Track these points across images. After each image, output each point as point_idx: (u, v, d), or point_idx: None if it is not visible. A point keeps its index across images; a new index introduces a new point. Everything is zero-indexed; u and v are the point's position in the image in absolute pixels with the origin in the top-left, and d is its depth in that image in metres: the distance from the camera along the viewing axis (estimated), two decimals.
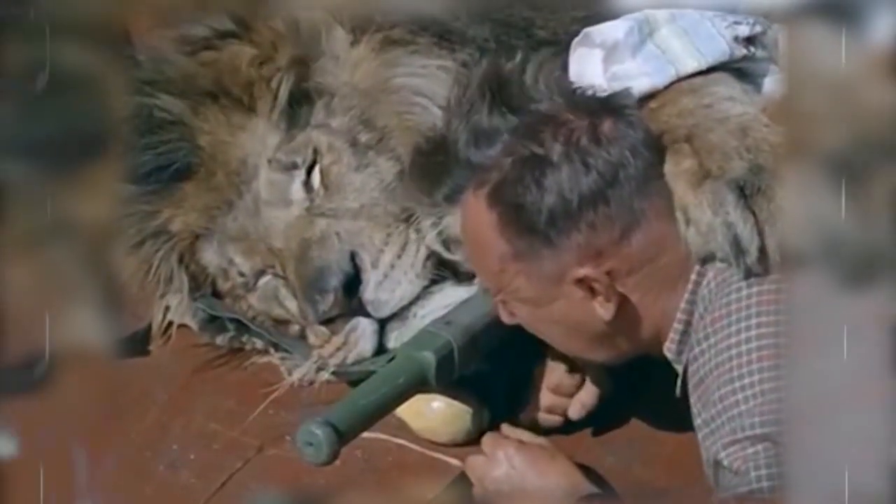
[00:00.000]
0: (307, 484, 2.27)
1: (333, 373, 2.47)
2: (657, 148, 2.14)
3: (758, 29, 2.30)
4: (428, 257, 2.42)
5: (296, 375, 2.49)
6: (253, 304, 2.54)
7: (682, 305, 2.14)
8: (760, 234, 2.07)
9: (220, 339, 2.60)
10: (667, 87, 2.23)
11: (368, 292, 2.39)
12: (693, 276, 2.13)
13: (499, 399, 2.46)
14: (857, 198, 1.72)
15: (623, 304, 2.14)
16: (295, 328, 2.53)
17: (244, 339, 2.60)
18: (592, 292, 2.13)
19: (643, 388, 2.47)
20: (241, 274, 2.53)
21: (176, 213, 2.52)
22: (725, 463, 2.05)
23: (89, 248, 1.92)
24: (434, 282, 2.43)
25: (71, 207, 1.93)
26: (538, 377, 2.43)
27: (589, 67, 2.30)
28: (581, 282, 2.12)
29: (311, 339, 2.47)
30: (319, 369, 2.47)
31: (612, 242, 2.11)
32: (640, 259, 2.13)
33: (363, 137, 2.48)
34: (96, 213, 1.94)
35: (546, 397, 2.41)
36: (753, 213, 2.07)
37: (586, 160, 2.10)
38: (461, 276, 2.45)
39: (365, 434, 2.27)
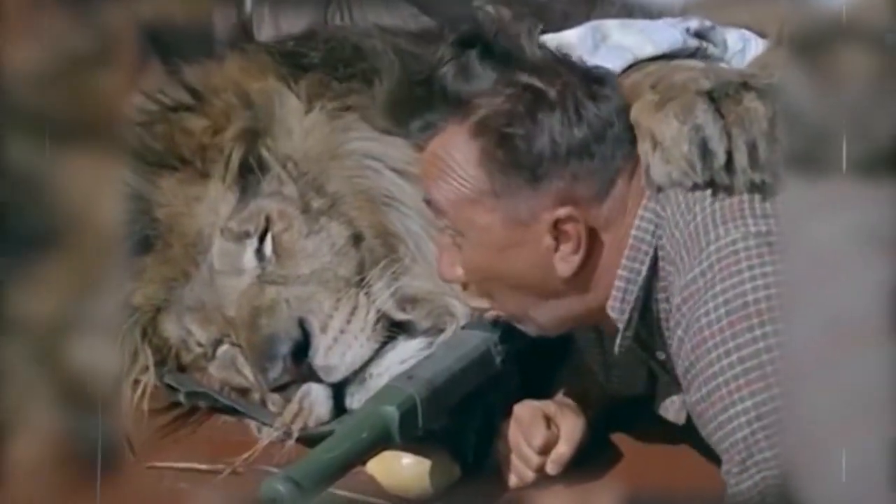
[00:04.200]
0: None
1: (298, 439, 2.44)
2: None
3: (707, 24, 2.36)
4: (378, 320, 2.42)
5: (263, 443, 2.47)
6: (213, 373, 2.55)
7: (627, 252, 2.13)
8: (728, 136, 2.05)
9: (182, 397, 2.58)
10: (626, 70, 2.26)
11: (318, 358, 2.39)
12: (636, 221, 2.13)
13: (467, 453, 2.44)
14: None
15: (584, 261, 2.13)
16: (255, 396, 2.53)
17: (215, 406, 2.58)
18: (559, 241, 2.12)
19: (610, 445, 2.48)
20: (200, 344, 2.54)
21: (136, 287, 2.53)
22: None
23: (41, 344, 1.93)
24: (385, 342, 2.43)
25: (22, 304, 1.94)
26: (504, 433, 2.40)
27: None
28: (556, 226, 2.11)
29: (270, 406, 2.48)
30: (286, 435, 2.45)
31: (589, 197, 2.12)
32: (608, 219, 2.13)
33: (315, 203, 2.50)
34: (48, 309, 1.96)
35: (531, 457, 2.37)
36: (722, 117, 2.06)
37: (580, 110, 2.11)
38: (416, 334, 2.45)
39: (336, 492, 2.24)
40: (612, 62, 2.27)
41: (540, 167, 2.10)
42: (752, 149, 2.04)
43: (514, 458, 2.39)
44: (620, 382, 2.45)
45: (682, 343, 2.07)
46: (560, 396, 2.46)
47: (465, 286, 2.24)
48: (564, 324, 2.23)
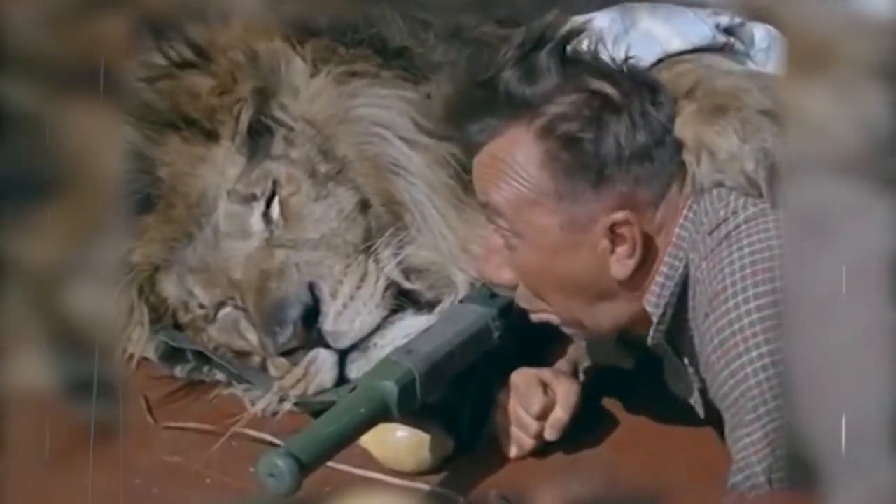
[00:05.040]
0: None
1: (295, 404, 2.46)
2: None
3: (736, 20, 2.35)
4: (387, 287, 2.42)
5: (258, 406, 2.48)
6: (213, 336, 2.53)
7: (670, 249, 2.15)
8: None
9: (180, 371, 2.59)
10: (656, 64, 2.26)
11: (328, 323, 2.38)
12: (681, 220, 2.15)
13: (462, 427, 2.45)
14: None
15: (639, 265, 2.14)
16: (256, 360, 2.52)
17: (205, 371, 2.59)
18: (615, 244, 2.13)
19: (606, 414, 2.51)
20: (202, 306, 2.52)
21: (136, 245, 2.51)
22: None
23: (38, 290, 1.91)
24: (394, 311, 2.42)
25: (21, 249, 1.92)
26: (502, 403, 2.42)
27: None
28: (612, 229, 2.12)
29: (272, 370, 2.46)
30: (281, 401, 2.47)
31: (647, 202, 2.14)
32: (661, 224, 2.15)
33: (322, 168, 2.48)
34: (46, 254, 1.94)
35: (530, 424, 2.39)
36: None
37: (643, 115, 2.13)
38: (421, 305, 2.46)
39: (328, 465, 2.25)
40: (641, 51, 2.25)
41: (605, 170, 2.11)
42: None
43: (512, 428, 2.41)
44: (605, 357, 2.49)
45: (701, 297, 2.09)
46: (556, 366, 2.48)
47: (514, 289, 2.24)
48: (616, 326, 2.24)
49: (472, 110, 2.19)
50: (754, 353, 2.01)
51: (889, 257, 1.80)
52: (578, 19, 2.32)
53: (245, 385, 2.55)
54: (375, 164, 2.49)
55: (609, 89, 2.13)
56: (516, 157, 2.15)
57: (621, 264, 2.14)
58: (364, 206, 2.48)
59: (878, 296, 1.79)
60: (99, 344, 2.15)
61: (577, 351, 2.51)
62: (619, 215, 2.12)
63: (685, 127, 2.14)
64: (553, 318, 2.24)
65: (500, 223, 2.19)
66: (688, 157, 2.13)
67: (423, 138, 2.48)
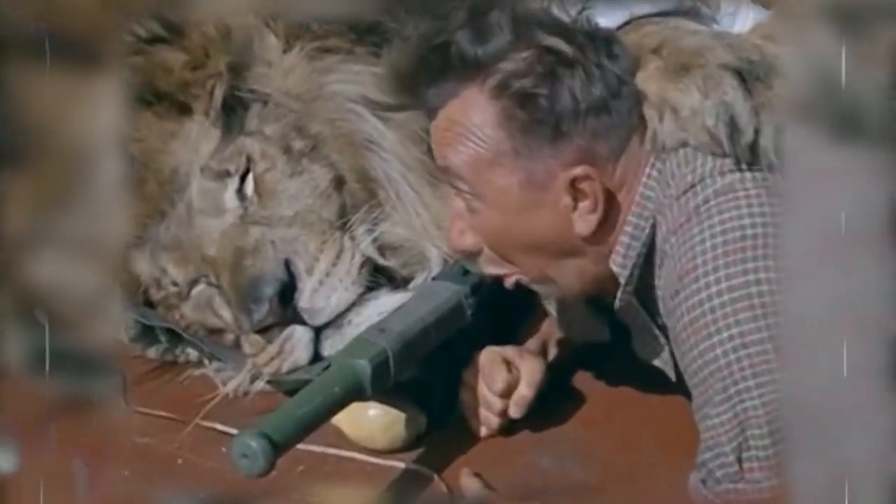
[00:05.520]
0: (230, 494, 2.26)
1: (268, 382, 2.46)
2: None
3: None
4: (363, 264, 2.42)
5: (230, 386, 2.48)
6: (186, 313, 2.52)
7: (633, 209, 2.15)
8: (756, 115, 2.06)
9: (153, 352, 2.58)
10: (622, 26, 2.25)
11: (304, 300, 2.38)
12: (644, 179, 2.14)
13: (435, 404, 2.46)
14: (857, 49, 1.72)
15: (602, 220, 2.14)
16: (229, 337, 2.51)
17: (177, 350, 2.58)
18: (577, 200, 2.12)
19: (576, 389, 2.52)
20: (175, 283, 2.50)
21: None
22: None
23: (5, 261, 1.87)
24: (369, 289, 2.42)
25: None
26: (469, 381, 2.43)
27: None
28: (573, 184, 2.11)
29: (246, 348, 2.46)
30: (254, 379, 2.46)
31: (605, 156, 2.13)
32: (622, 179, 2.14)
33: (297, 144, 2.47)
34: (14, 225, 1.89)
35: (494, 402, 2.40)
36: (751, 95, 2.07)
37: (600, 67, 2.12)
38: (396, 282, 2.46)
39: (301, 445, 2.26)
40: (607, 16, 2.25)
41: (561, 126, 2.10)
42: (780, 134, 2.04)
43: (478, 407, 2.42)
44: (580, 332, 2.48)
45: (670, 272, 2.09)
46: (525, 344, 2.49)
47: (478, 253, 2.23)
48: (586, 284, 2.22)
49: (426, 74, 2.17)
50: (725, 335, 2.01)
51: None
52: None
53: (217, 364, 2.55)
54: (350, 140, 2.48)
55: (562, 44, 2.12)
56: (472, 119, 2.13)
57: (584, 220, 2.13)
58: (339, 182, 2.47)
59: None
60: (68, 318, 2.13)
61: (548, 329, 2.52)
62: (579, 170, 2.11)
63: (649, 81, 2.13)
64: (523, 279, 2.23)
65: (461, 186, 2.18)
66: (649, 112, 2.12)
67: (398, 114, 2.47)
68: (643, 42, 2.19)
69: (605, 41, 2.16)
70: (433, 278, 2.48)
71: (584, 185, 2.12)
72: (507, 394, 2.40)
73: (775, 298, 1.99)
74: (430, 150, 2.45)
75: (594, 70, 2.12)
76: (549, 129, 2.10)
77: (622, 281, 2.17)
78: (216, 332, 2.52)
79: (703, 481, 2.04)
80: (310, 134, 2.48)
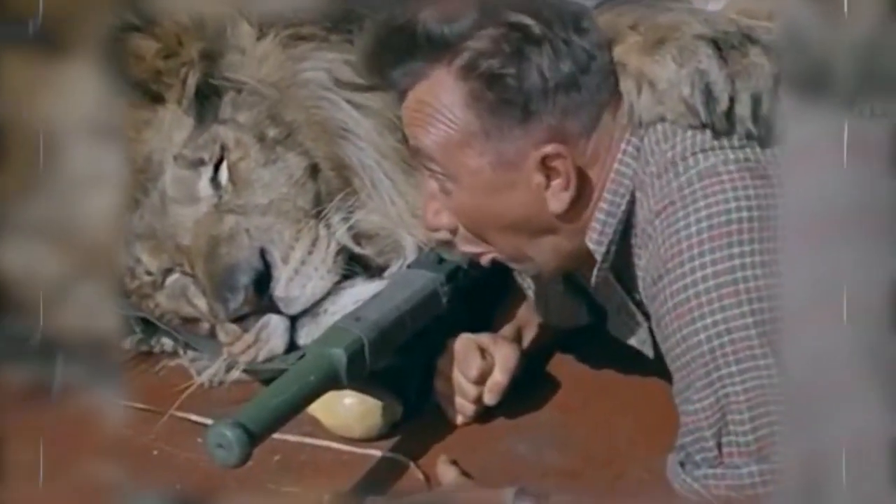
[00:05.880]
0: (205, 485, 2.26)
1: (244, 371, 2.45)
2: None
3: None
4: (338, 252, 2.41)
5: (205, 376, 2.48)
6: (161, 302, 2.51)
7: (608, 185, 2.14)
8: (732, 83, 2.05)
9: (128, 343, 2.58)
10: (597, 7, 2.23)
11: (279, 289, 2.37)
12: (619, 156, 2.13)
13: (411, 392, 2.46)
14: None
15: (575, 197, 2.12)
16: (204, 326, 2.50)
17: (152, 341, 2.57)
18: (549, 178, 2.11)
19: (552, 375, 2.53)
20: (149, 272, 2.49)
21: None
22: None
23: None
24: (345, 277, 2.41)
25: None
26: (444, 368, 2.43)
27: None
28: (544, 162, 2.10)
29: (222, 336, 2.44)
30: (229, 368, 2.46)
31: (577, 132, 2.11)
32: (595, 155, 2.12)
33: (271, 132, 2.46)
34: None
35: (468, 389, 2.41)
36: (727, 64, 2.06)
37: (568, 42, 2.10)
38: (372, 270, 2.45)
39: (276, 435, 2.26)
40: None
41: (530, 105, 2.08)
42: (756, 102, 2.04)
43: (453, 395, 2.43)
44: (558, 316, 2.48)
45: (653, 256, 2.08)
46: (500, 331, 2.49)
47: (454, 233, 2.21)
48: (562, 261, 2.21)
49: (393, 55, 2.14)
50: (708, 320, 2.01)
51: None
52: None
53: (193, 354, 2.54)
54: (324, 128, 2.48)
55: (528, 20, 2.09)
56: (441, 100, 2.11)
57: (557, 198, 2.12)
58: (313, 170, 2.46)
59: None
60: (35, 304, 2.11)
61: (523, 315, 2.52)
62: (550, 148, 2.09)
63: (627, 55, 2.11)
64: (499, 257, 2.22)
65: (433, 167, 2.16)
66: (627, 86, 2.11)
67: (373, 102, 2.46)
68: (619, 20, 2.17)
69: (573, 15, 2.13)
70: (408, 266, 2.48)
71: (555, 164, 2.10)
72: (481, 381, 2.40)
73: (759, 284, 2.00)
74: (405, 138, 2.44)
75: (562, 46, 2.09)
76: (518, 109, 2.08)
77: (598, 258, 2.16)
78: (191, 321, 2.52)
79: (682, 464, 2.05)
80: (284, 122, 2.47)
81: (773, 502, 1.95)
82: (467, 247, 2.22)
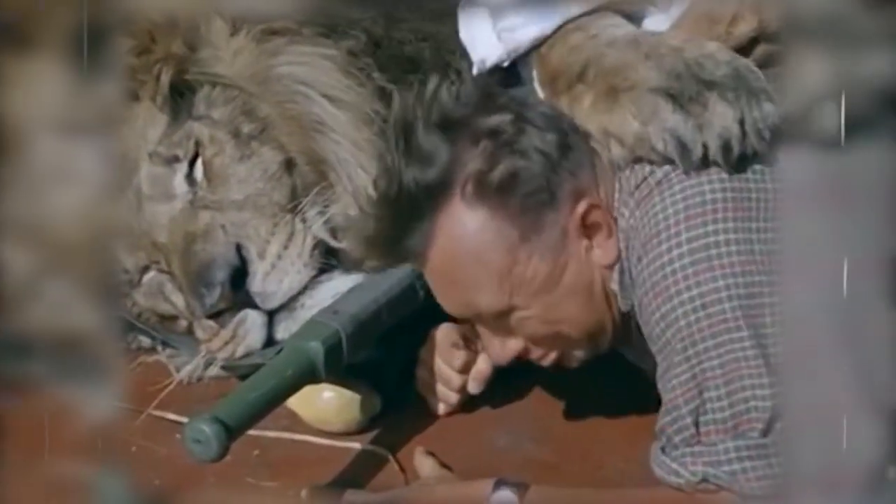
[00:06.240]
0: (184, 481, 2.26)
1: (222, 367, 2.45)
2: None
3: None
4: (315, 246, 2.41)
5: (184, 373, 2.47)
6: (138, 300, 2.51)
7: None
8: (700, 131, 2.07)
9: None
10: (555, 32, 2.24)
11: (256, 284, 2.37)
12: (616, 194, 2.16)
13: (390, 385, 2.46)
14: None
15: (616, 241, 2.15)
16: (182, 324, 2.50)
17: (129, 338, 2.57)
18: (591, 238, 2.14)
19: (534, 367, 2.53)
20: (126, 271, 2.49)
21: None
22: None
23: None
24: (322, 271, 2.41)
25: None
26: (426, 358, 2.43)
27: (478, 25, 2.31)
28: (583, 221, 2.13)
29: (199, 333, 2.45)
30: (208, 364, 2.45)
31: (589, 184, 2.15)
32: (606, 200, 2.16)
33: (245, 128, 2.45)
34: None
35: (452, 378, 2.41)
36: (689, 113, 2.08)
37: (542, 116, 2.14)
38: (348, 264, 2.45)
39: (255, 430, 2.25)
40: (539, 20, 2.24)
41: (549, 181, 2.11)
42: (726, 146, 2.06)
43: (437, 384, 2.43)
44: None
45: (633, 243, 2.11)
46: None
47: (525, 352, 2.22)
48: (614, 324, 2.22)
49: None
50: (685, 296, 2.03)
51: None
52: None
53: (170, 351, 2.54)
54: (299, 123, 2.47)
55: (498, 118, 2.12)
56: (467, 245, 2.12)
57: (604, 249, 2.15)
58: (289, 165, 2.46)
59: None
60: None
61: None
62: (583, 206, 2.13)
63: (588, 120, 2.14)
64: (576, 353, 2.23)
65: (494, 321, 2.17)
66: (598, 146, 2.14)
67: (348, 96, 2.46)
68: (570, 61, 2.19)
69: (521, 95, 2.19)
70: None
71: (593, 218, 2.13)
72: (465, 369, 2.40)
73: (734, 260, 2.02)
74: (381, 132, 2.45)
75: (538, 119, 2.14)
76: (543, 192, 2.11)
77: (620, 296, 2.16)
78: (169, 318, 2.51)
79: (663, 449, 2.06)
80: (258, 117, 2.46)
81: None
82: (539, 354, 2.23)
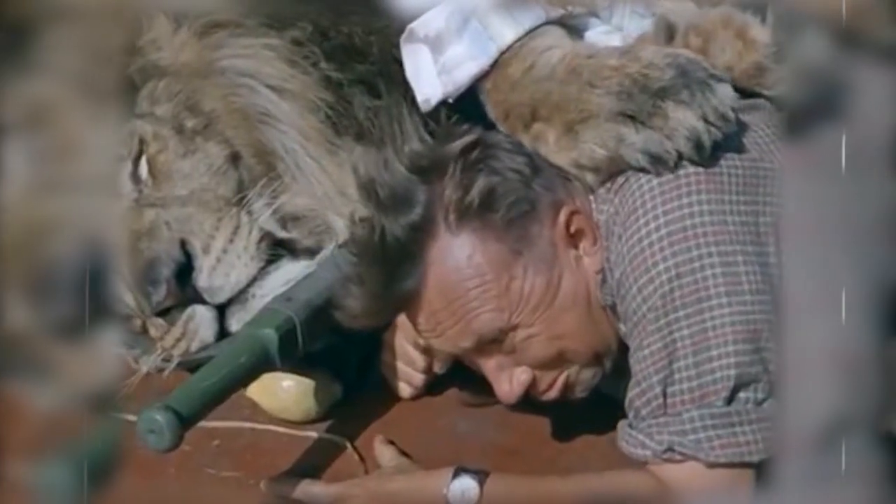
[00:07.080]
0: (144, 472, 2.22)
1: (179, 364, 2.42)
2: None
3: None
4: (262, 238, 2.39)
5: (144, 368, 2.44)
6: None
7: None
8: (670, 139, 2.09)
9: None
10: (493, 65, 2.24)
11: (202, 279, 2.35)
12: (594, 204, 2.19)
13: (350, 372, 2.45)
14: None
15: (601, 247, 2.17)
16: (137, 323, 2.48)
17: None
18: (578, 245, 2.16)
19: None
20: None
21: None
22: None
23: None
24: (270, 261, 2.40)
25: None
26: (388, 342, 2.42)
27: (420, 62, 2.31)
28: (567, 230, 2.15)
29: (152, 332, 2.43)
30: (165, 361, 2.43)
31: (566, 197, 2.18)
32: (586, 210, 2.19)
33: (189, 123, 2.44)
34: None
35: (416, 358, 2.41)
36: (654, 129, 2.10)
37: (508, 140, 2.18)
38: (298, 252, 2.43)
39: (215, 421, 2.23)
40: (477, 55, 2.24)
41: (527, 189, 2.13)
42: (697, 143, 2.08)
43: (400, 366, 2.42)
44: None
45: (612, 223, 2.13)
46: None
47: (535, 385, 2.22)
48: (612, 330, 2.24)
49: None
50: (661, 266, 2.05)
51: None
52: (416, 24, 2.31)
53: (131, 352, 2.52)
54: (244, 115, 2.46)
55: (465, 140, 2.14)
56: (462, 273, 2.13)
57: (592, 256, 2.17)
58: (235, 158, 2.45)
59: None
60: None
61: None
62: (563, 214, 2.15)
63: (557, 157, 2.17)
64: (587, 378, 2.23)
65: (496, 349, 2.17)
66: (575, 179, 2.17)
67: (292, 85, 2.45)
68: (518, 106, 2.20)
69: (480, 127, 2.21)
70: (339, 246, 2.46)
71: (576, 225, 2.16)
72: (429, 350, 2.38)
73: (708, 230, 2.05)
74: (327, 119, 2.44)
75: (505, 144, 2.17)
76: (523, 202, 2.13)
77: (611, 310, 2.18)
78: (124, 318, 2.48)
79: (630, 424, 2.08)
80: (202, 111, 2.45)
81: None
82: (546, 383, 2.22)
